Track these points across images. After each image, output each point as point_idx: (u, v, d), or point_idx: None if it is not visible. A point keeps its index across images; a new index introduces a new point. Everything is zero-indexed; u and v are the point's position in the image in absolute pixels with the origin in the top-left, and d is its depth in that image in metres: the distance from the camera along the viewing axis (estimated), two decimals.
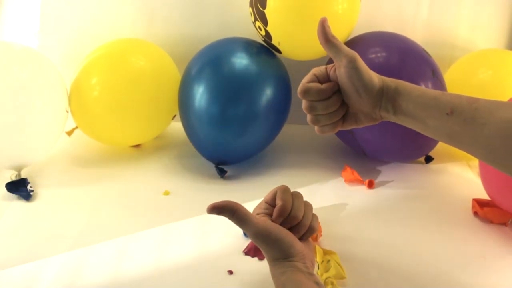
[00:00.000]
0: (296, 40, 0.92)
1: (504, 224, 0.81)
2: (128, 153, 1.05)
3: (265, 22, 0.91)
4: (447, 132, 0.53)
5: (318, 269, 0.69)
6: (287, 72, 0.98)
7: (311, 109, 0.58)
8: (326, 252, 0.72)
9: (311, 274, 0.55)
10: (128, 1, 1.09)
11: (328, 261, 0.70)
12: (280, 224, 0.59)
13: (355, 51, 0.56)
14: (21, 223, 0.82)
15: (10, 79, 0.85)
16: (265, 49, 0.97)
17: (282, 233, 0.57)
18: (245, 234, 0.77)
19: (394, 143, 0.93)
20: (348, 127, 0.61)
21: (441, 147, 0.98)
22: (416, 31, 1.10)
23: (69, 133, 1.01)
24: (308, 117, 0.59)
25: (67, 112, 0.96)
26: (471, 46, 1.12)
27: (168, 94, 1.00)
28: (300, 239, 0.60)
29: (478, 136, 0.50)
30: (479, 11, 1.11)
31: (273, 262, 0.56)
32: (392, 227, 0.81)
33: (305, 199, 0.62)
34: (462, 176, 0.98)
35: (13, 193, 0.87)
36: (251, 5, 0.94)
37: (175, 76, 1.02)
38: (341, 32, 0.93)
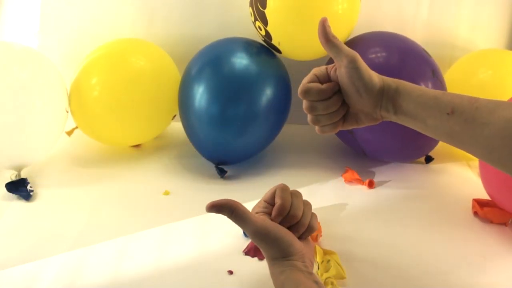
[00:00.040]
0: (296, 40, 0.92)
1: (504, 224, 0.81)
2: (128, 153, 1.05)
3: (265, 22, 0.91)
4: (447, 131, 0.53)
5: (318, 269, 0.69)
6: (287, 72, 0.98)
7: (311, 109, 0.58)
8: (326, 252, 0.72)
9: (310, 273, 0.55)
10: (128, 1, 1.09)
11: (328, 261, 0.70)
12: (279, 223, 0.58)
13: (355, 51, 0.56)
14: (21, 223, 0.82)
15: (10, 79, 0.85)
16: (265, 49, 0.97)
17: (281, 232, 0.57)
18: (245, 234, 0.77)
19: (394, 143, 0.93)
20: (348, 127, 0.61)
21: (441, 147, 0.98)
22: (416, 31, 1.10)
23: (69, 133, 1.01)
24: (309, 117, 0.59)
25: (67, 112, 0.96)
26: (471, 46, 1.12)
27: (168, 94, 1.00)
28: (299, 238, 0.59)
29: (478, 136, 0.50)
30: (479, 11, 1.11)
31: (272, 261, 0.56)
32: (392, 227, 0.81)
33: (305, 199, 0.62)
34: (462, 176, 0.98)
35: (13, 193, 0.87)
36: (251, 5, 0.94)
37: (175, 76, 1.02)
38: (341, 32, 0.93)
